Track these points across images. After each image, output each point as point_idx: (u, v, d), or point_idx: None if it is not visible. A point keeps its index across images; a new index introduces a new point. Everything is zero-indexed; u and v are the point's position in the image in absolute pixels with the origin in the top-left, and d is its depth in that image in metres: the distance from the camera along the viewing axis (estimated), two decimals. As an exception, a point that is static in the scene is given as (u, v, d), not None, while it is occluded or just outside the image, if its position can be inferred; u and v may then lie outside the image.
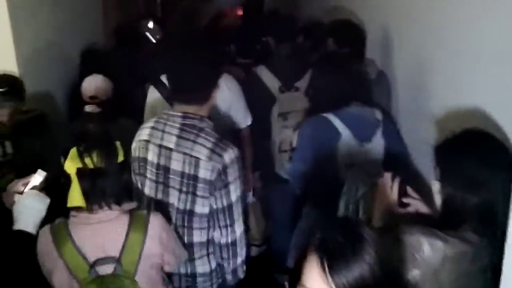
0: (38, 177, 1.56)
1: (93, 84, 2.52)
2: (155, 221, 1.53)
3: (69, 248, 1.44)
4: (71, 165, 1.45)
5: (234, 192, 1.70)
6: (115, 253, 1.47)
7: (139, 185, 1.82)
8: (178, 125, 1.70)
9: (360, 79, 2.10)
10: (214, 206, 1.70)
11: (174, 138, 1.70)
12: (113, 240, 1.47)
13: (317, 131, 1.98)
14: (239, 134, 2.44)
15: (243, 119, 2.40)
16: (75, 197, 1.45)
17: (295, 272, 1.09)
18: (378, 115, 2.00)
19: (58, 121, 2.72)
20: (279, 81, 2.57)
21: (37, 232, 1.49)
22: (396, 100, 2.46)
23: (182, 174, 1.69)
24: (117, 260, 1.46)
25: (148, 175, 1.77)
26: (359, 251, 1.02)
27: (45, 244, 1.46)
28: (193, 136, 1.68)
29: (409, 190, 1.59)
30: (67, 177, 1.45)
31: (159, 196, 1.76)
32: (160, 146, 1.72)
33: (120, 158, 1.50)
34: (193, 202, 1.70)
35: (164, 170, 1.72)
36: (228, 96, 2.23)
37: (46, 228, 1.49)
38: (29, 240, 1.47)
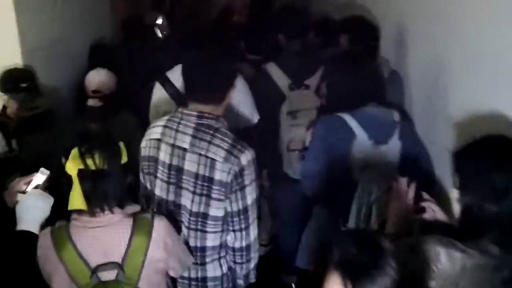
0: (40, 176, 1.53)
1: (96, 78, 2.48)
2: (160, 225, 1.48)
3: (70, 252, 1.40)
4: (72, 166, 1.40)
5: (250, 195, 1.65)
6: (117, 258, 1.42)
7: (147, 185, 1.77)
8: (193, 125, 1.64)
9: (375, 78, 2.03)
10: (229, 209, 1.65)
11: (188, 138, 1.64)
12: (115, 244, 1.43)
13: (331, 131, 1.92)
14: (245, 132, 2.39)
15: (250, 117, 2.35)
16: (76, 199, 1.41)
17: (303, 274, 1.07)
18: (396, 116, 1.93)
19: (65, 117, 2.69)
20: (289, 79, 2.51)
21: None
22: (409, 101, 2.40)
23: (196, 176, 1.63)
24: (120, 266, 1.42)
25: (159, 175, 1.71)
26: (382, 265, 0.99)
27: (45, 247, 1.42)
28: (209, 137, 1.62)
29: (425, 194, 1.54)
30: (68, 179, 1.41)
31: (171, 197, 1.71)
32: (173, 145, 1.67)
33: (124, 159, 1.46)
34: (207, 204, 1.65)
35: (176, 171, 1.67)
36: (236, 94, 2.18)
37: (47, 231, 1.45)
38: (32, 240, 1.43)
